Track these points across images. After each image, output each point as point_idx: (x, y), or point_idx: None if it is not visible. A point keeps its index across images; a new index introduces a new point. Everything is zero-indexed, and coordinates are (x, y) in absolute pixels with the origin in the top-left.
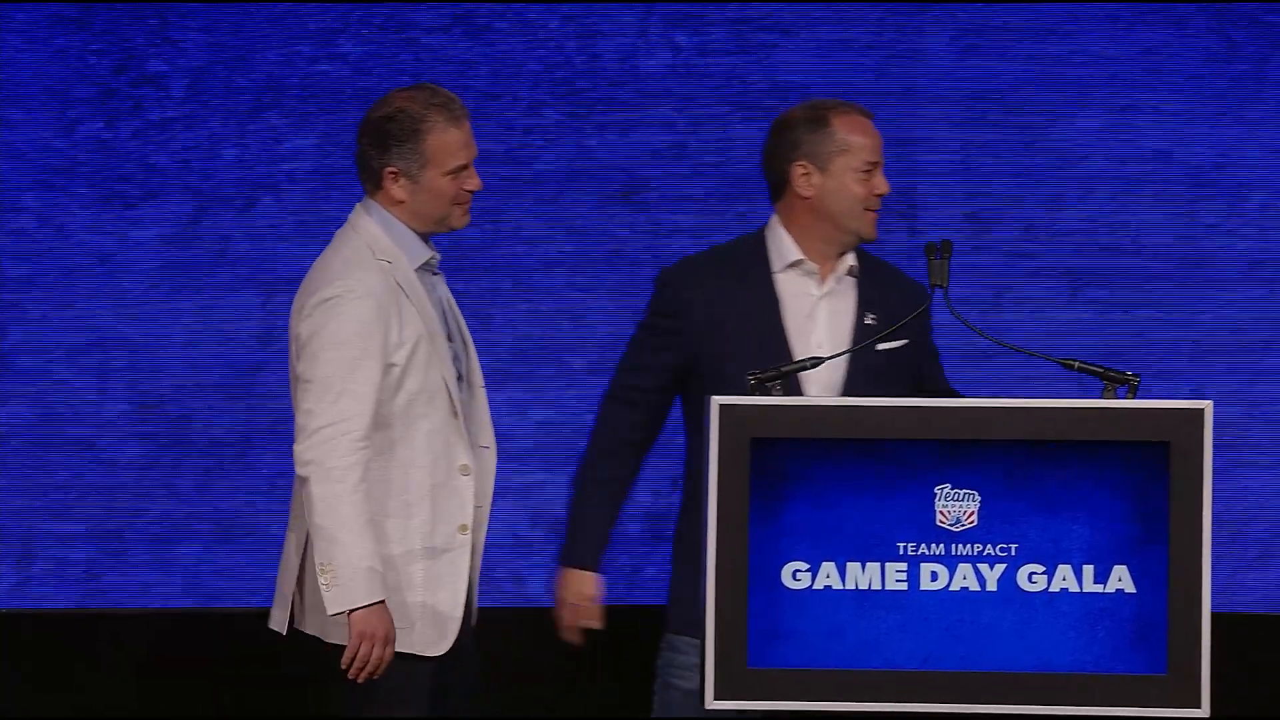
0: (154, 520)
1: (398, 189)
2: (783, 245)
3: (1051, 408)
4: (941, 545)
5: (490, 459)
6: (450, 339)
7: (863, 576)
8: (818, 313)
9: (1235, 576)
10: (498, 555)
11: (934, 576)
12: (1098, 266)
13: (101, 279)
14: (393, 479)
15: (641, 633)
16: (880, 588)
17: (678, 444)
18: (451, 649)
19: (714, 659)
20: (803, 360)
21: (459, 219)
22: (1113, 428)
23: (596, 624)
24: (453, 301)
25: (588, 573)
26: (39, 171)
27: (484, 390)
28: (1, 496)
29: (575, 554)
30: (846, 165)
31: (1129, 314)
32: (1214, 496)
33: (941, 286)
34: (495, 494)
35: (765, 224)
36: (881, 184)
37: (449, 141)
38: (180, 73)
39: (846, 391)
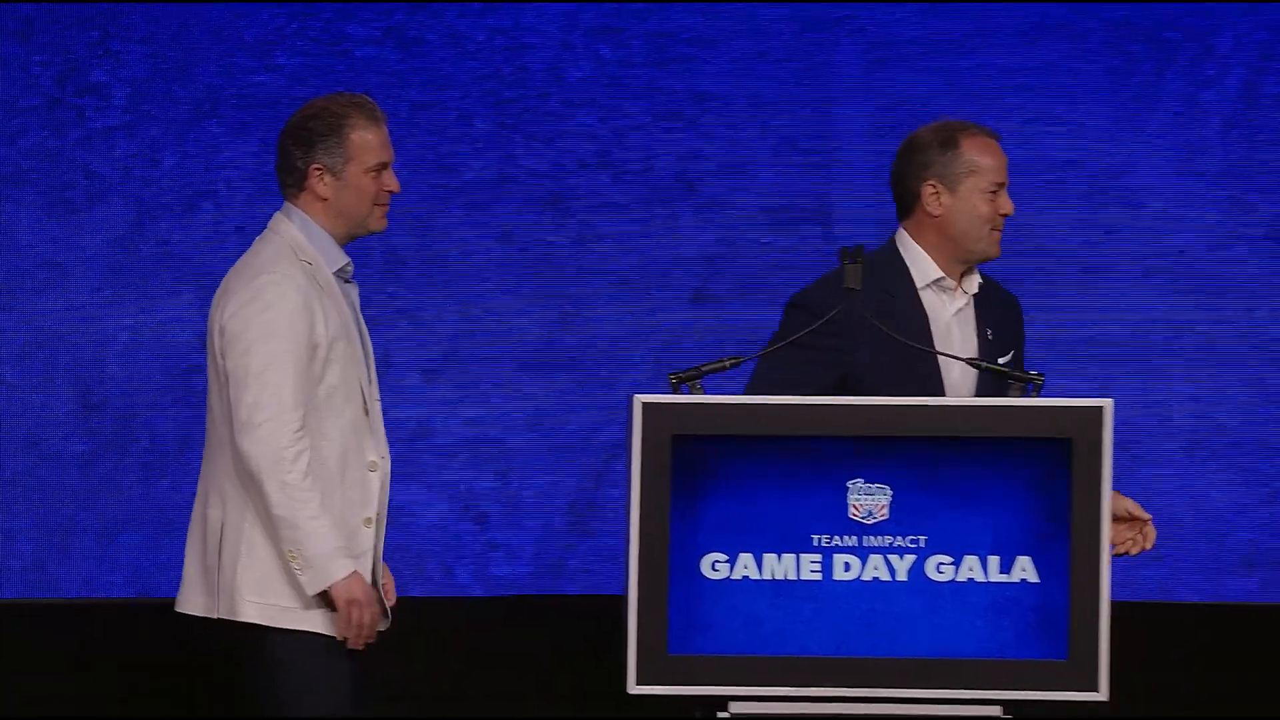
0: (99, 515)
1: (323, 186)
2: (922, 262)
3: (959, 405)
4: (854, 537)
5: (387, 468)
6: (363, 346)
7: (779, 567)
8: (953, 329)
9: (1133, 568)
10: (428, 547)
11: (847, 567)
12: (1004, 270)
13: (48, 282)
14: (315, 469)
15: (565, 621)
16: (795, 578)
17: (599, 441)
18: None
19: (635, 646)
20: (720, 361)
21: (377, 221)
22: (1017, 425)
23: None
24: (359, 312)
25: None
26: None
27: (379, 404)
28: None
29: None
30: (975, 186)
31: (1033, 316)
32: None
33: (856, 290)
34: (423, 487)
35: (892, 238)
36: (1006, 204)
37: (370, 139)
38: (122, 83)
39: (979, 394)
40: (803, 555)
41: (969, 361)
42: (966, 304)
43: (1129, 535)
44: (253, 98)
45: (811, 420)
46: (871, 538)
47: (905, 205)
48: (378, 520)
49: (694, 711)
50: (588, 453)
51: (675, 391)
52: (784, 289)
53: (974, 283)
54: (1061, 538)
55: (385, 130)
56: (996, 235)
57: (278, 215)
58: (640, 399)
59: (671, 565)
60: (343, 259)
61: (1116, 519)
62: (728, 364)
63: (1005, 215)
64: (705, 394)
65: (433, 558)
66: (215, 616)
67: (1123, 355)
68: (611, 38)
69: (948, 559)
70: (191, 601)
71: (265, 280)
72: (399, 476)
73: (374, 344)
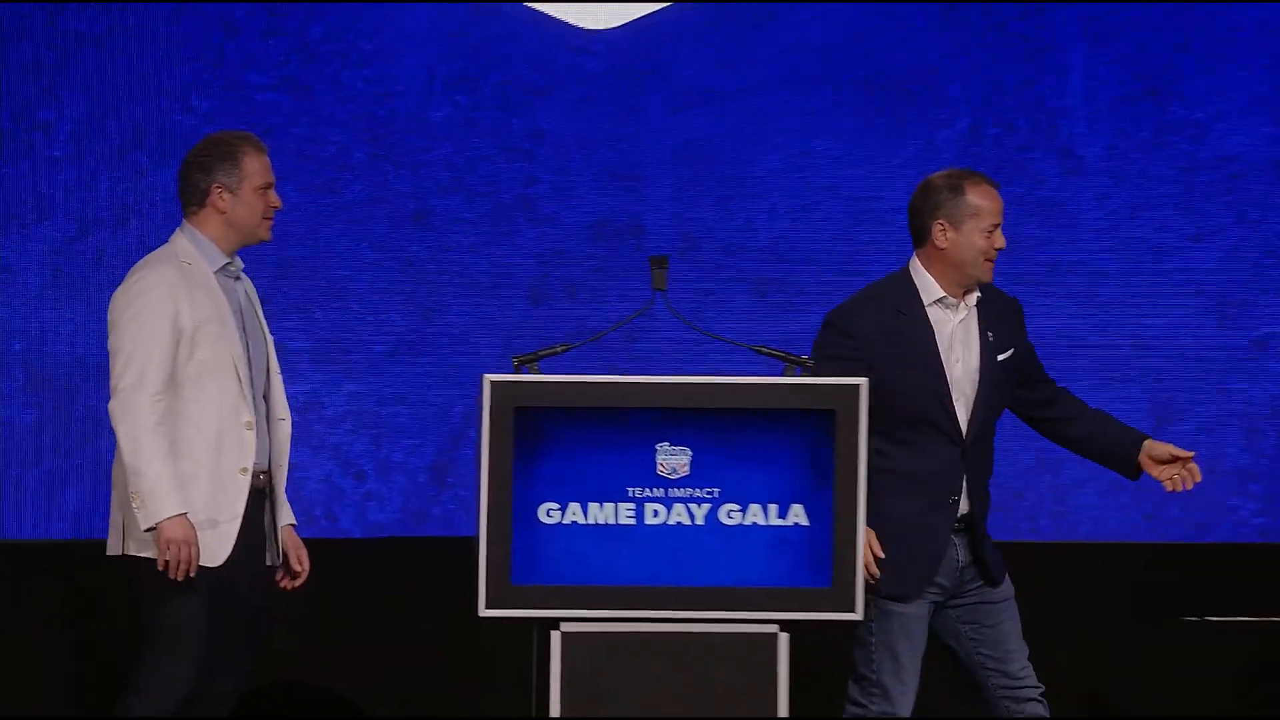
0: (45, 471)
1: (221, 202)
2: (929, 285)
3: (745, 383)
4: (662, 489)
5: (286, 428)
6: (245, 330)
7: (601, 514)
8: (955, 336)
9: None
10: (316, 498)
11: (655, 514)
12: (780, 276)
13: (2, 284)
14: (185, 427)
15: (428, 558)
16: (614, 522)
17: (455, 413)
18: (229, 559)
19: (485, 578)
20: (553, 347)
21: (265, 232)
22: (791, 399)
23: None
24: (255, 303)
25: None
26: None
27: (280, 376)
28: None
29: None
30: (976, 226)
31: (805, 312)
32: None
33: (661, 291)
34: (312, 449)
35: (907, 265)
36: (999, 240)
37: (257, 165)
38: (65, 121)
39: (980, 392)
40: (620, 504)
41: (753, 348)
42: (968, 314)
43: (1175, 473)
44: (173, 134)
45: (626, 395)
46: (675, 490)
47: (919, 238)
48: (274, 470)
49: (532, 630)
50: (446, 422)
51: (517, 371)
52: (603, 289)
53: (974, 297)
54: (827, 489)
55: (268, 159)
56: (989, 265)
57: (176, 231)
58: (488, 378)
59: (514, 513)
60: (223, 260)
61: (1161, 462)
62: (559, 349)
63: (998, 249)
64: (541, 373)
65: (319, 506)
66: (114, 554)
67: None
68: (465, 85)
69: (736, 507)
70: (110, 544)
71: (137, 276)
72: (295, 440)
73: (273, 332)
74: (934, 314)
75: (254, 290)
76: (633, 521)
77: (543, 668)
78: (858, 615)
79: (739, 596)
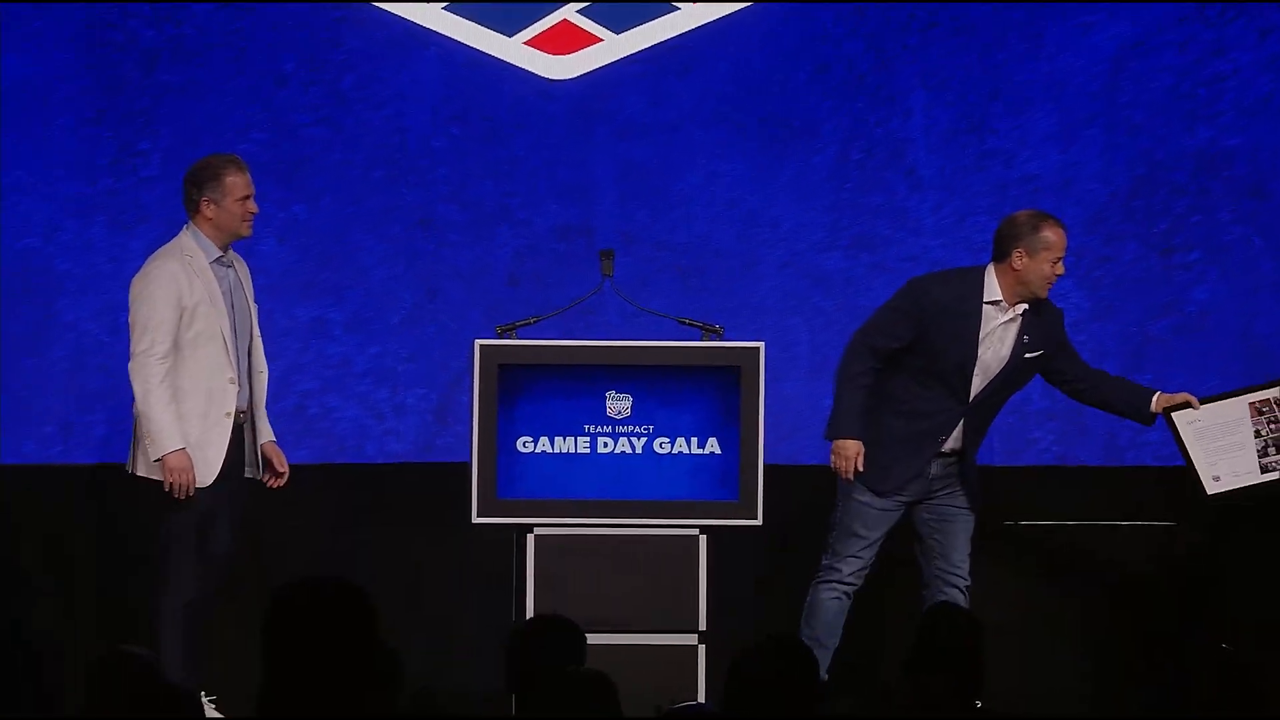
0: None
1: (209, 210)
2: (993, 289)
3: (673, 346)
4: (610, 426)
5: (263, 379)
6: (234, 307)
7: (564, 445)
8: (995, 331)
9: (778, 444)
10: (346, 433)
11: (605, 445)
12: (698, 266)
13: (112, 272)
14: (184, 381)
15: (434, 480)
16: (574, 452)
17: (453, 368)
18: (216, 482)
19: (476, 493)
20: (527, 319)
21: (245, 230)
22: (708, 357)
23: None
24: (246, 283)
25: (854, 440)
26: None
27: (260, 339)
28: None
29: (844, 428)
30: (1046, 258)
31: (716, 294)
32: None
33: (609, 276)
34: (344, 396)
35: (986, 266)
36: (1060, 269)
37: (238, 180)
38: (157, 150)
39: (999, 375)
40: (578, 438)
41: (679, 320)
42: (1014, 317)
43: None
44: (240, 156)
45: (583, 354)
46: (620, 427)
47: (999, 254)
48: (254, 409)
49: (513, 534)
50: (446, 375)
51: (500, 337)
52: (564, 275)
53: (1022, 306)
54: (735, 426)
55: (248, 176)
56: (1048, 286)
57: (182, 230)
58: (478, 342)
59: (498, 444)
60: (218, 253)
61: (1176, 406)
62: (532, 321)
63: (1060, 275)
64: (518, 339)
65: (350, 439)
66: (131, 472)
67: (772, 315)
68: (459, 121)
69: (667, 439)
70: (129, 465)
71: (148, 265)
72: (332, 389)
73: (313, 310)
74: (987, 310)
75: (246, 274)
76: (588, 451)
77: (521, 563)
78: (758, 521)
79: (669, 508)
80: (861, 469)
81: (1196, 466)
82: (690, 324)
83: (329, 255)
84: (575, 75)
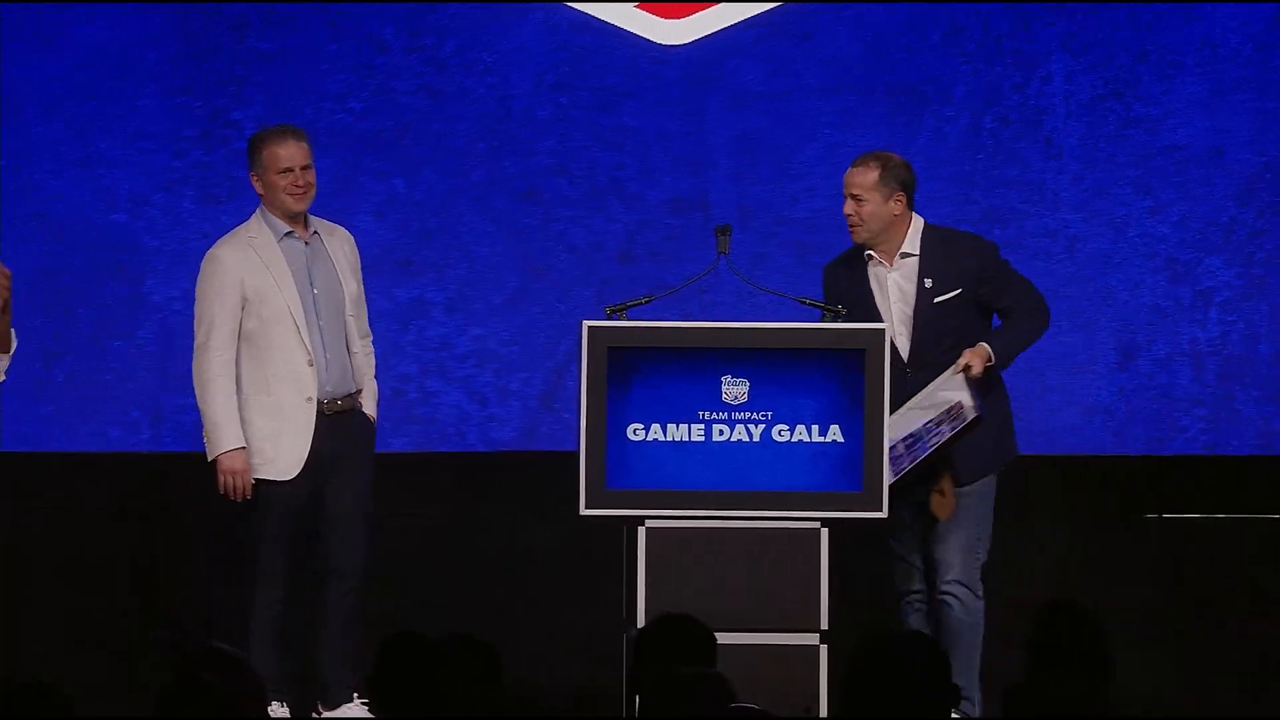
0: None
1: (258, 186)
2: (864, 248)
3: (792, 328)
4: (726, 413)
5: (359, 358)
6: (314, 284)
7: (677, 433)
8: (887, 282)
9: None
10: (448, 419)
11: (721, 432)
12: (818, 241)
13: (201, 248)
14: (254, 370)
15: (539, 468)
16: (688, 440)
17: (560, 351)
18: (303, 473)
19: (584, 484)
20: (639, 299)
21: (293, 204)
22: (830, 339)
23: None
24: (334, 259)
25: None
26: None
27: (354, 318)
28: None
29: None
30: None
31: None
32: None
33: (725, 253)
34: (445, 380)
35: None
36: (848, 206)
37: (278, 152)
38: (250, 120)
39: (915, 329)
40: (692, 424)
41: (800, 300)
42: (903, 266)
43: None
44: (332, 129)
45: (697, 337)
46: (736, 413)
47: None
48: (356, 390)
49: (623, 527)
50: (552, 358)
51: (609, 318)
52: (677, 252)
53: (903, 258)
54: (858, 412)
55: (290, 147)
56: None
57: (255, 209)
58: (587, 323)
59: (608, 432)
60: (285, 229)
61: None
62: (644, 300)
63: (847, 212)
64: (629, 320)
65: (451, 426)
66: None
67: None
68: (567, 89)
69: (786, 427)
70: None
71: (209, 256)
72: (432, 373)
73: (413, 290)
74: (872, 267)
75: (344, 246)
76: (703, 439)
77: (631, 557)
78: (883, 514)
79: (788, 499)
80: None
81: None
82: (811, 304)
83: (428, 231)
84: (689, 40)
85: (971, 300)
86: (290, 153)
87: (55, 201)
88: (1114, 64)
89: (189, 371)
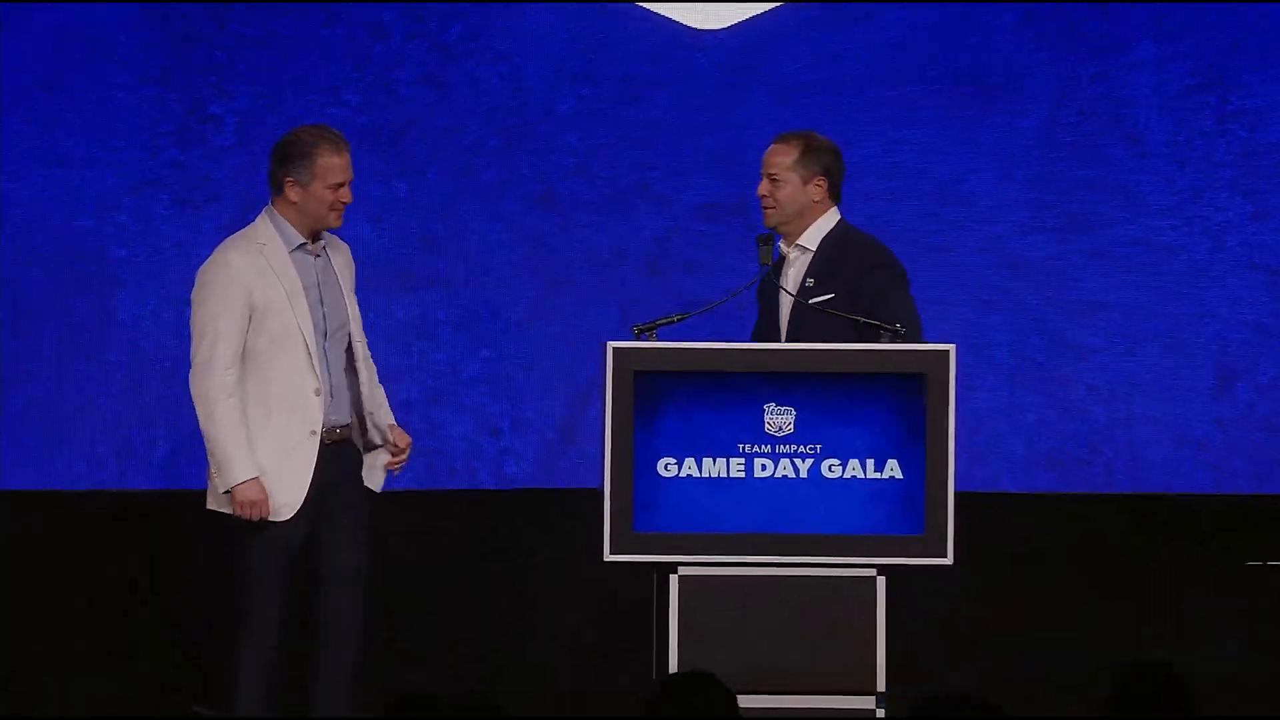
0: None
1: (294, 193)
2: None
3: (845, 349)
4: (769, 445)
5: (366, 377)
6: (324, 302)
7: (714, 468)
8: (787, 277)
9: (970, 467)
10: (455, 452)
11: (764, 467)
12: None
13: (176, 258)
14: (256, 394)
15: (558, 507)
16: (726, 475)
17: (581, 376)
18: (300, 512)
19: (609, 525)
20: (670, 317)
21: (334, 220)
22: (886, 363)
23: None
24: (340, 275)
25: None
26: None
27: (362, 338)
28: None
29: None
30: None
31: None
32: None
33: (767, 265)
34: (453, 409)
35: None
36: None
37: (333, 162)
38: (231, 114)
39: (790, 327)
40: (731, 459)
41: (851, 318)
42: (798, 261)
43: None
44: (326, 125)
45: (737, 360)
46: (781, 446)
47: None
48: (365, 416)
49: (652, 574)
50: (573, 384)
51: (637, 339)
52: (714, 264)
53: (799, 250)
54: (919, 445)
55: (346, 158)
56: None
57: (261, 212)
58: (611, 345)
59: (635, 467)
60: (299, 240)
61: None
62: (675, 319)
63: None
64: (659, 341)
65: (460, 461)
66: (210, 508)
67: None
68: (588, 79)
69: (837, 461)
70: (208, 500)
71: (212, 260)
72: (437, 401)
73: (414, 307)
74: (790, 254)
75: (345, 260)
76: (743, 475)
77: (662, 608)
78: (948, 560)
79: (840, 543)
80: None
81: None
82: (866, 322)
83: (433, 240)
84: (728, 25)
85: (847, 309)
86: (345, 165)
87: (13, 206)
88: (1207, 51)
89: (161, 400)
